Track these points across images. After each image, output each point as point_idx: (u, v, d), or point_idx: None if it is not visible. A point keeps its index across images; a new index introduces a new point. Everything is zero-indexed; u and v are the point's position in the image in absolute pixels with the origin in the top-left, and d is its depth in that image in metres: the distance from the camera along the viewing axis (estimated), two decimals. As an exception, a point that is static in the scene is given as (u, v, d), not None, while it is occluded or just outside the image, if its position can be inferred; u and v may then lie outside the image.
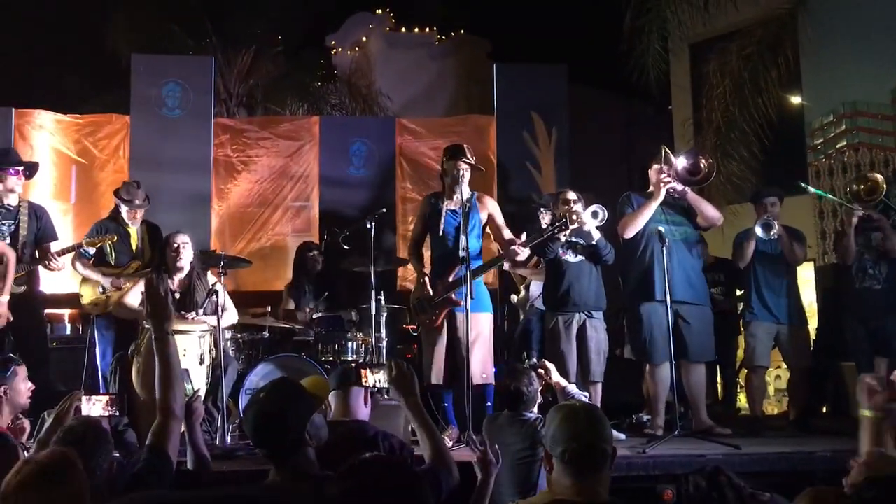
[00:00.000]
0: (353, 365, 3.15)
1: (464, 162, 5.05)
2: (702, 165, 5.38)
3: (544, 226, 5.78)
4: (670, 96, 10.90)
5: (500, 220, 5.20)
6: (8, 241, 5.25)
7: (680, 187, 5.37)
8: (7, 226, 5.33)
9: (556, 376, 4.07)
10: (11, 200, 5.38)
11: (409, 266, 7.17)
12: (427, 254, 5.40)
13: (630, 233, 5.36)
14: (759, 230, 5.66)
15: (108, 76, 10.72)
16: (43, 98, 8.61)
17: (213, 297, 4.91)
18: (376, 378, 3.15)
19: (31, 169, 5.65)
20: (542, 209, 6.07)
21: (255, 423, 2.50)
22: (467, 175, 5.07)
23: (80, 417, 3.21)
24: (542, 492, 2.41)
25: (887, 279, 5.52)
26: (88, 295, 5.74)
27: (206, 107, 7.82)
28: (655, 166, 5.45)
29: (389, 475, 1.74)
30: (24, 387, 3.80)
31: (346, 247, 5.94)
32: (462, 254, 4.76)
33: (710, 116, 8.84)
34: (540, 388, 3.88)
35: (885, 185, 5.57)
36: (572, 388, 4.09)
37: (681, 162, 5.34)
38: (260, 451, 2.52)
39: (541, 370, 4.01)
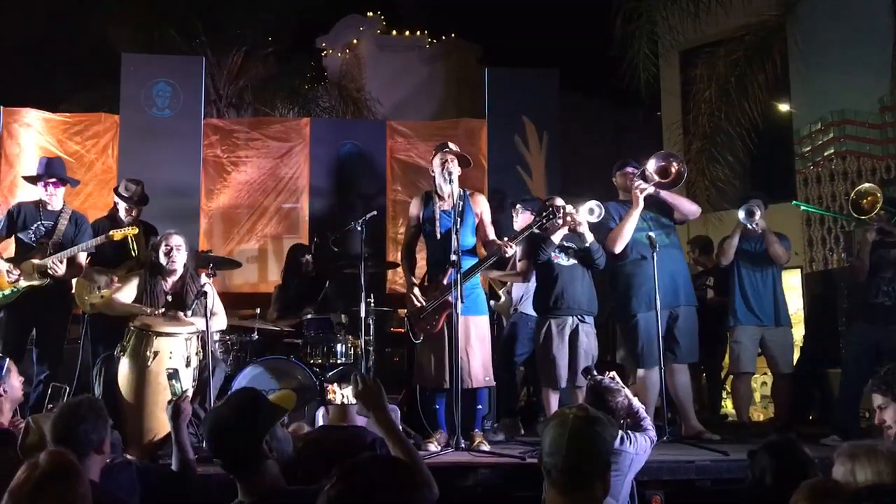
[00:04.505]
0: (350, 373, 3.09)
1: (447, 152, 5.02)
2: (672, 169, 5.38)
3: (517, 227, 5.76)
4: (660, 102, 10.95)
5: (487, 219, 5.16)
6: (41, 237, 5.43)
7: (653, 191, 5.39)
8: (46, 225, 5.49)
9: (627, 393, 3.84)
10: (55, 204, 5.56)
11: (399, 269, 7.17)
12: (420, 256, 5.35)
13: (619, 247, 5.36)
14: (741, 214, 5.67)
15: (97, 74, 10.66)
16: (30, 96, 8.54)
17: (203, 299, 4.87)
18: (344, 393, 3.06)
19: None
20: (517, 206, 6.02)
21: (209, 434, 2.53)
22: (454, 167, 5.01)
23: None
24: None
25: None
26: (84, 295, 5.67)
27: (196, 107, 7.78)
28: (618, 173, 5.52)
29: (390, 473, 1.70)
30: (17, 382, 3.89)
31: (335, 249, 5.92)
32: (453, 257, 4.71)
33: (696, 121, 8.88)
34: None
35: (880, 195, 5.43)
36: (636, 403, 3.84)
37: (651, 165, 5.36)
38: (216, 463, 2.51)
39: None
